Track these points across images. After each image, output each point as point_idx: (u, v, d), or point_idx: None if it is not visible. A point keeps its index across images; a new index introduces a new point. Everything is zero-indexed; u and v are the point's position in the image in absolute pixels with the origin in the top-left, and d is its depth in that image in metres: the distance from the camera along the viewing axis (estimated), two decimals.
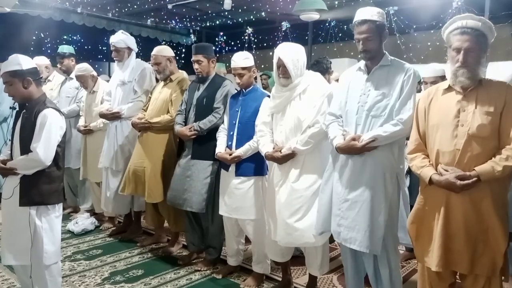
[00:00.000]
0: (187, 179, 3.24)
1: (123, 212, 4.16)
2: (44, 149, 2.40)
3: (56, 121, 2.47)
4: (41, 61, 4.83)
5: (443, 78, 3.25)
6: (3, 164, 2.47)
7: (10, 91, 2.49)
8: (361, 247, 2.29)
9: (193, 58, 3.32)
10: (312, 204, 2.61)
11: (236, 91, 3.27)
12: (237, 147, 2.99)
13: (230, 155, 2.96)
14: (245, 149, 2.95)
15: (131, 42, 3.94)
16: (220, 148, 3.06)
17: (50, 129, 2.43)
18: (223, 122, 3.19)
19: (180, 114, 3.40)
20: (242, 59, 3.01)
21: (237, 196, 2.97)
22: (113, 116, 3.87)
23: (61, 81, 4.88)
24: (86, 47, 9.61)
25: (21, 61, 2.47)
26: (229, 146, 3.05)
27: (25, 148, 2.43)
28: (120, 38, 3.88)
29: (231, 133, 3.06)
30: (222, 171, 3.12)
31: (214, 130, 3.20)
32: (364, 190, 2.30)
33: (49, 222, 2.50)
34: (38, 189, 2.44)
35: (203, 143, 3.23)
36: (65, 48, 4.76)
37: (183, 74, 3.83)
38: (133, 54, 3.97)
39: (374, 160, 2.28)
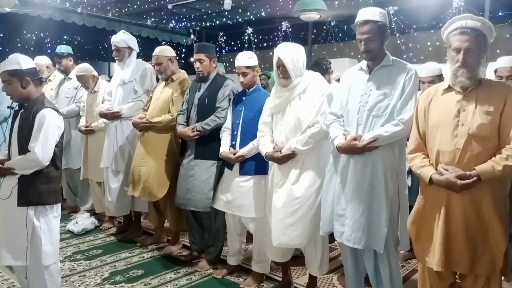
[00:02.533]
0: (190, 179, 3.24)
1: (124, 213, 4.15)
2: (42, 149, 2.39)
3: (54, 121, 2.47)
4: (42, 61, 4.83)
5: (440, 77, 3.25)
6: (1, 164, 2.46)
7: (8, 90, 2.49)
8: (364, 246, 2.30)
9: (195, 56, 3.32)
10: (311, 205, 2.61)
11: (238, 91, 3.27)
12: (241, 147, 3.00)
13: (234, 154, 2.97)
14: (248, 148, 2.95)
15: (132, 42, 3.95)
16: (224, 147, 3.07)
17: (48, 129, 2.43)
18: (225, 122, 3.19)
19: (182, 114, 3.40)
20: (246, 58, 3.02)
21: (240, 194, 2.98)
22: (113, 116, 3.86)
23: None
24: (86, 47, 9.61)
25: (20, 61, 2.47)
26: (233, 146, 3.05)
27: (23, 148, 2.43)
28: (121, 38, 3.88)
29: (235, 132, 3.07)
30: (226, 170, 3.12)
31: (216, 129, 3.20)
32: (366, 190, 2.30)
33: (47, 222, 2.50)
34: (36, 189, 2.43)
35: (206, 143, 3.23)
36: (63, 48, 4.74)
37: (185, 74, 3.83)
38: (134, 54, 3.97)
39: (375, 160, 2.28)
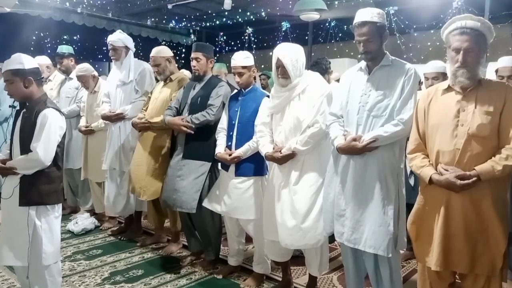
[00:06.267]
0: (177, 179, 3.22)
1: (130, 213, 4.14)
2: (44, 149, 2.40)
3: (56, 121, 2.47)
4: (42, 61, 4.83)
5: (444, 75, 3.25)
6: (2, 164, 2.46)
7: (10, 89, 2.49)
8: (365, 247, 2.30)
9: (192, 55, 3.32)
10: (313, 205, 2.61)
11: (234, 92, 3.26)
12: (236, 147, 2.99)
13: (230, 155, 2.96)
14: (244, 149, 2.94)
15: (129, 41, 3.92)
16: (220, 148, 3.06)
17: (50, 129, 2.43)
18: (218, 120, 3.16)
19: (170, 109, 3.37)
20: (243, 58, 3.02)
21: (237, 196, 2.97)
22: (117, 118, 3.85)
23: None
24: (86, 47, 9.59)
25: (23, 61, 2.47)
26: (228, 146, 3.04)
27: (25, 148, 2.43)
28: (118, 37, 3.86)
29: (231, 133, 3.06)
30: (222, 171, 3.11)
31: (206, 130, 3.18)
32: (367, 191, 2.30)
33: (48, 222, 2.50)
34: (37, 189, 2.43)
35: (195, 143, 3.21)
36: (64, 48, 4.74)
37: (183, 73, 3.81)
38: (131, 54, 3.93)
39: (376, 160, 2.28)
